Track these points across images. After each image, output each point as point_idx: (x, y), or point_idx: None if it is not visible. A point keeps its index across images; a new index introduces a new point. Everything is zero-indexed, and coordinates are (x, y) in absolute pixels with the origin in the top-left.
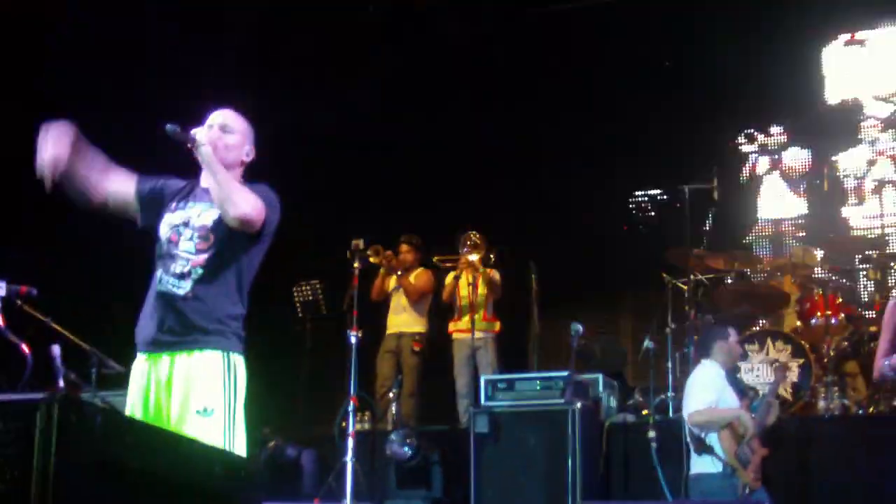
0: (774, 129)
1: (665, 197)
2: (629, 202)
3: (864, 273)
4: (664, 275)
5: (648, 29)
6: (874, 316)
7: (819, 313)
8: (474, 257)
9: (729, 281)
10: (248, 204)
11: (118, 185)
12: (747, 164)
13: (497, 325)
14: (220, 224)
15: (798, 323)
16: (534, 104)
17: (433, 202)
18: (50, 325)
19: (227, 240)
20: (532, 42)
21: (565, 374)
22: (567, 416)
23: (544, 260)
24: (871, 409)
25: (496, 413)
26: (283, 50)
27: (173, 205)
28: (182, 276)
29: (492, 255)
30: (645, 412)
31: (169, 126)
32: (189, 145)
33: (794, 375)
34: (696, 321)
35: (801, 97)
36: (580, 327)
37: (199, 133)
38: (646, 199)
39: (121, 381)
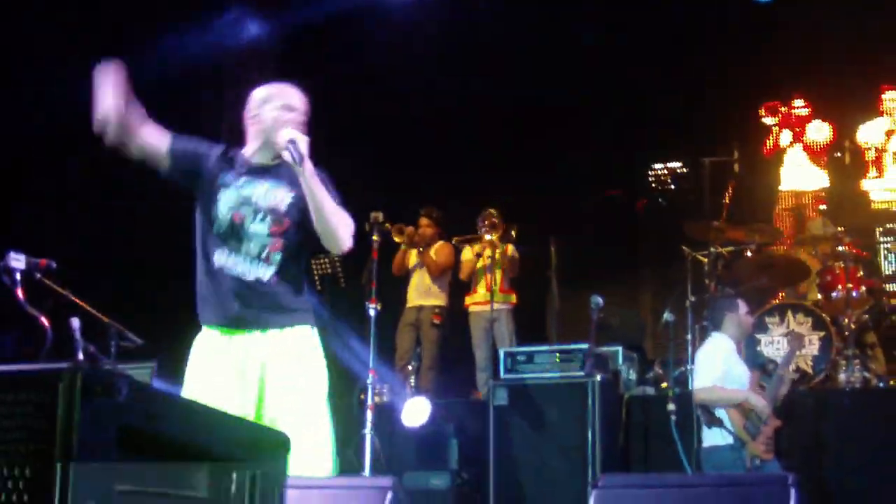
0: (797, 102)
1: (685, 170)
2: (649, 175)
3: (886, 246)
4: (683, 247)
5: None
6: None
7: (840, 286)
8: (492, 237)
9: (749, 254)
10: (349, 232)
11: (152, 139)
12: (770, 138)
13: (513, 297)
14: (294, 208)
15: (819, 296)
16: (554, 75)
17: (450, 177)
18: (69, 298)
19: (301, 223)
20: (549, 13)
21: (585, 346)
22: (587, 388)
23: (563, 233)
24: (892, 382)
25: (515, 385)
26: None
27: (223, 178)
28: (259, 260)
29: (512, 232)
30: (664, 385)
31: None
32: (297, 164)
33: (814, 349)
34: (715, 293)
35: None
36: (600, 300)
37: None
38: (665, 171)
39: (141, 355)
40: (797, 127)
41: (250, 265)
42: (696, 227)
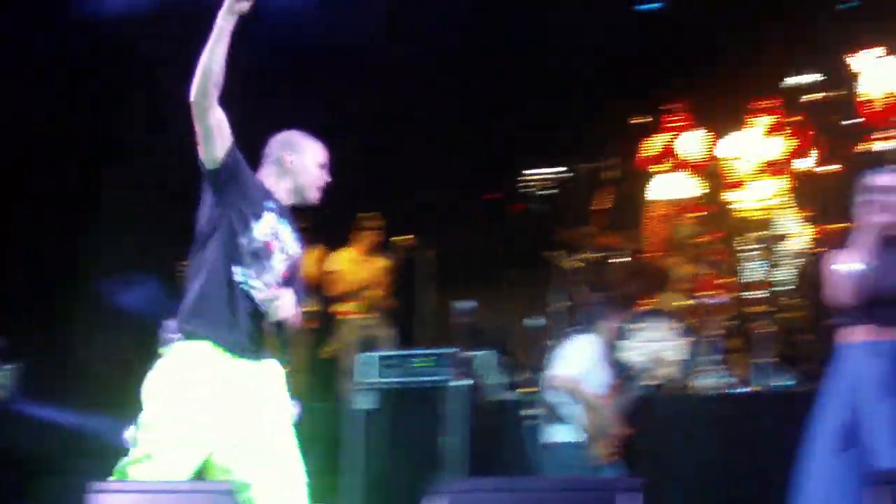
0: (673, 109)
1: (563, 175)
2: (527, 180)
3: (751, 254)
4: (555, 253)
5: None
6: (760, 296)
7: (706, 292)
8: (365, 243)
9: (620, 260)
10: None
11: (225, 118)
12: (646, 145)
13: (387, 304)
14: (297, 264)
15: (685, 301)
16: (417, 77)
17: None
18: None
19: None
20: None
21: (451, 350)
22: (451, 392)
23: (439, 237)
24: (753, 388)
25: (381, 389)
26: None
27: (268, 204)
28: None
29: (386, 240)
30: (529, 390)
31: None
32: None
33: (678, 353)
34: (585, 299)
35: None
36: (468, 305)
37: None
38: (543, 177)
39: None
40: (673, 135)
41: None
42: (570, 232)
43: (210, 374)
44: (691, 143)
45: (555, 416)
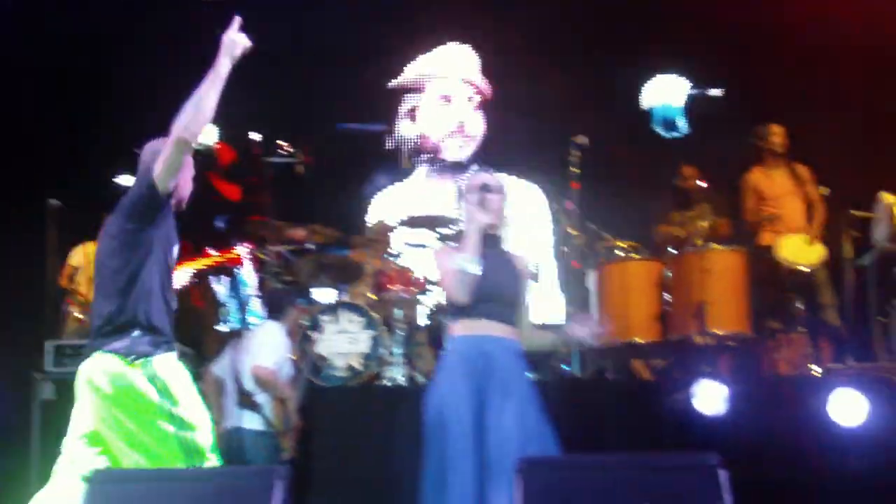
0: None
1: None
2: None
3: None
4: (245, 244)
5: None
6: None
7: (392, 286)
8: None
9: (308, 253)
10: None
11: None
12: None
13: None
14: None
15: (372, 295)
16: None
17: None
18: None
19: None
20: None
21: None
22: None
23: None
24: None
25: (62, 379)
26: None
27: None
28: None
29: None
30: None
31: None
32: None
33: (365, 347)
34: (273, 292)
35: None
36: None
37: None
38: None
39: None
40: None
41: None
42: (258, 224)
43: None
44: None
45: (244, 400)
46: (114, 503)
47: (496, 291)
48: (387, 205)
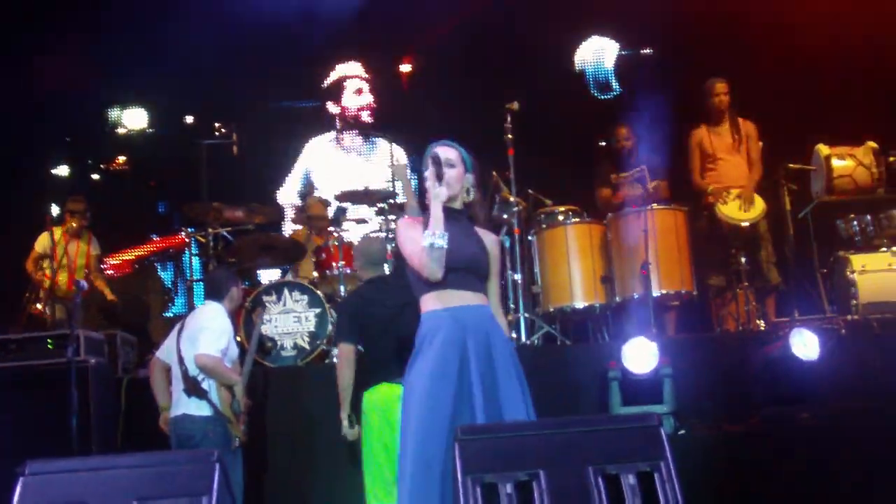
0: None
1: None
2: None
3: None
4: (184, 228)
5: None
6: None
7: (335, 264)
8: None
9: (248, 234)
10: None
11: None
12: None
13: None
14: None
15: (315, 273)
16: None
17: None
18: None
19: None
20: None
21: (67, 332)
22: (72, 373)
23: None
24: None
25: None
26: None
27: None
28: None
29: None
30: None
31: None
32: None
33: (311, 325)
34: (212, 273)
35: None
36: (84, 283)
37: None
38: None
39: None
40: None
41: None
42: (196, 206)
43: None
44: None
45: (191, 387)
46: (53, 493)
47: (463, 261)
48: (324, 180)
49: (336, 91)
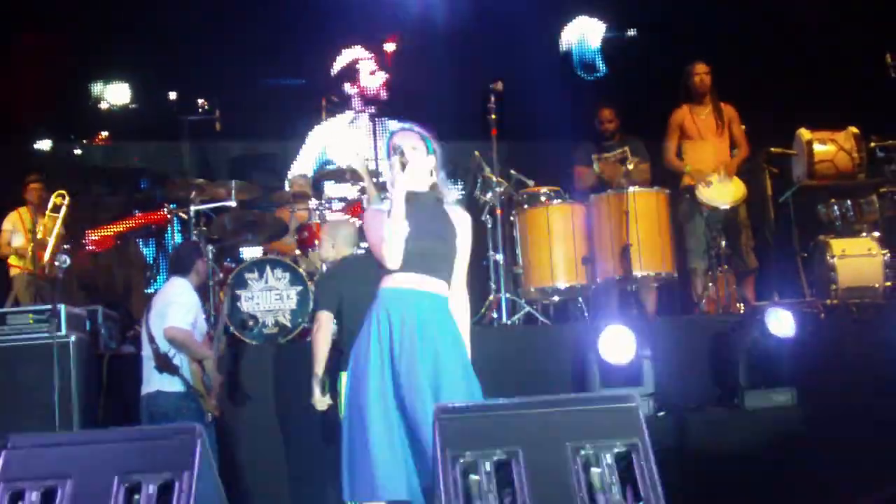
0: None
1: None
2: None
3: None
4: (167, 204)
5: None
6: None
7: (317, 242)
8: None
9: (230, 210)
10: None
11: None
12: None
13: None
14: None
15: (297, 251)
16: None
17: None
18: None
19: None
20: None
21: (48, 307)
22: (53, 349)
23: None
24: None
25: None
26: None
27: None
28: None
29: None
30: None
31: None
32: None
33: (292, 303)
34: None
35: None
36: (66, 258)
37: None
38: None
39: None
40: None
41: None
42: (178, 183)
43: None
44: None
45: (163, 363)
46: (36, 467)
47: (423, 245)
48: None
49: (350, 73)
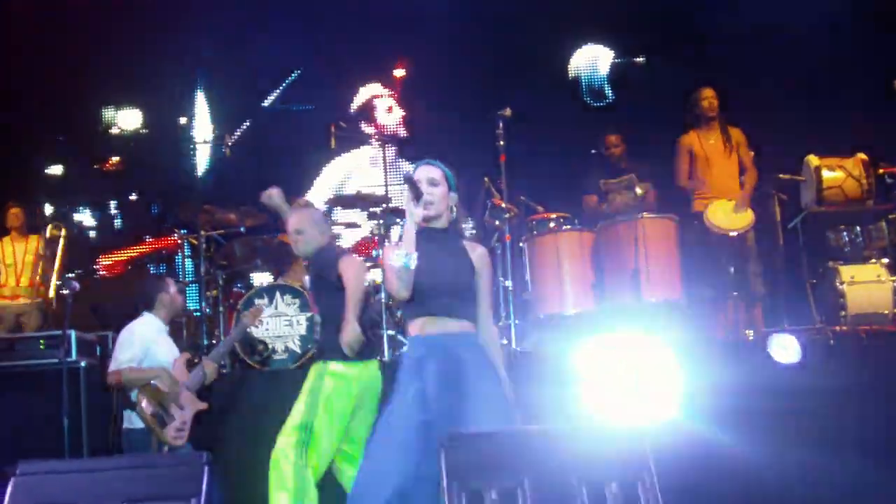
0: None
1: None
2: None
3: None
4: (177, 230)
5: None
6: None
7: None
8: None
9: (240, 237)
10: None
11: None
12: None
13: (43, 290)
14: None
15: (306, 277)
16: None
17: None
18: None
19: None
20: None
21: (58, 333)
22: (64, 374)
23: None
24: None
25: None
26: None
27: None
28: None
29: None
30: None
31: None
32: None
33: (301, 329)
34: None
35: None
36: (76, 284)
37: None
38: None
39: None
40: None
41: None
42: (189, 208)
43: None
44: None
45: (126, 401)
46: (44, 494)
47: (443, 286)
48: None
49: (368, 111)
